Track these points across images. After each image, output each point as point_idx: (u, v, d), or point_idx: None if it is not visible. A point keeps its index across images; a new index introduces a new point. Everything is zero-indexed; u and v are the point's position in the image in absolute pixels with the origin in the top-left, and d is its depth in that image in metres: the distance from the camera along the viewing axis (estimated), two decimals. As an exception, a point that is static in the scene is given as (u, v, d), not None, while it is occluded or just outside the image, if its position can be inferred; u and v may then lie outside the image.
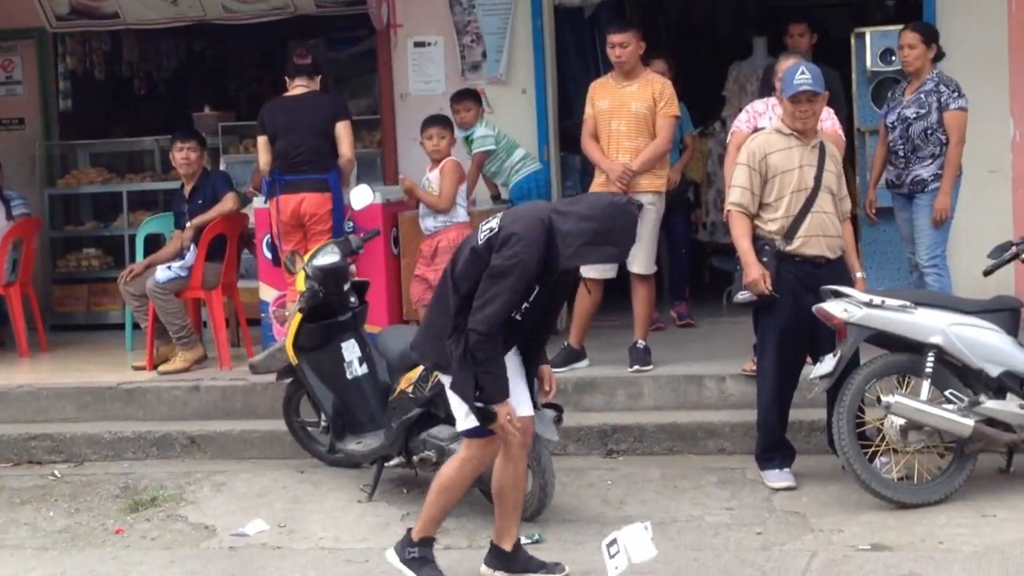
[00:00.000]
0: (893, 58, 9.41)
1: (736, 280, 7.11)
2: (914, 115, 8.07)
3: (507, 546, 5.74)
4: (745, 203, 6.89)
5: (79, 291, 11.67)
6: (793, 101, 6.76)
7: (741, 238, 6.93)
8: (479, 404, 5.34)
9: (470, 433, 5.55)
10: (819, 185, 6.84)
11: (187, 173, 9.28)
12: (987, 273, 7.52)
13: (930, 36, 8.20)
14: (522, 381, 5.64)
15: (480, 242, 5.34)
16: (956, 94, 8.07)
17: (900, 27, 9.57)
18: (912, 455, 6.62)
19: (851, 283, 6.88)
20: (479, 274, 5.28)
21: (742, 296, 6.98)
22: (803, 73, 6.79)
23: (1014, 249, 7.16)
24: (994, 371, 6.59)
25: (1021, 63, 9.29)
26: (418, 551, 5.67)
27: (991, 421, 6.55)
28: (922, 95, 8.09)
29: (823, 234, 6.80)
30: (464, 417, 5.52)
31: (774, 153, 6.83)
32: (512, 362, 5.55)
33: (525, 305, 5.34)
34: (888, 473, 6.63)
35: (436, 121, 8.84)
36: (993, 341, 6.66)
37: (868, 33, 9.57)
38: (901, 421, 6.49)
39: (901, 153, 8.13)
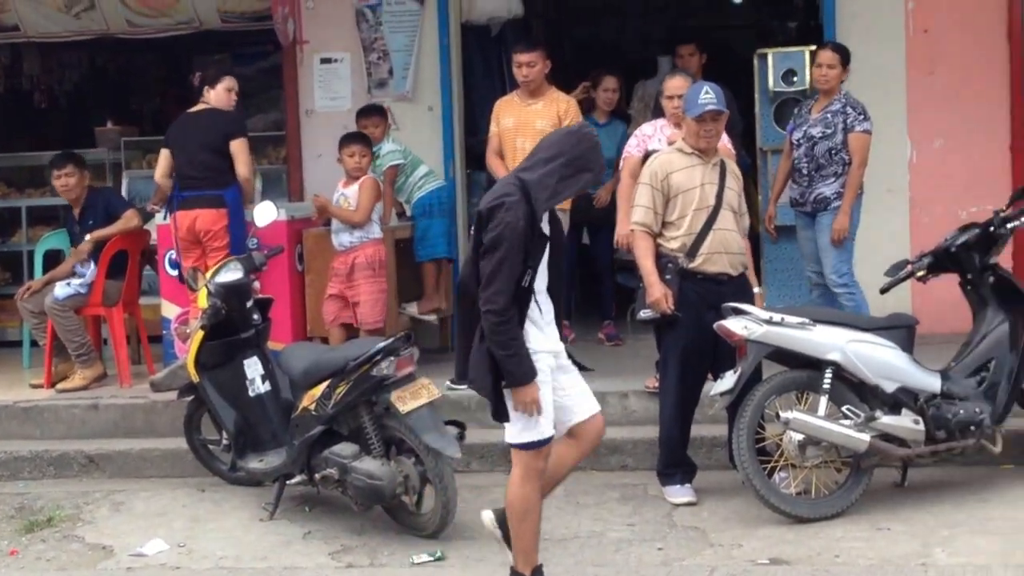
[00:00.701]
0: (795, 78, 9.56)
1: (639, 298, 7.19)
2: (820, 134, 8.15)
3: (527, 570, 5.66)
4: (648, 222, 6.98)
5: (-24, 308, 11.53)
6: (698, 120, 6.84)
7: (644, 258, 7.02)
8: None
9: (522, 446, 5.46)
10: (720, 203, 6.94)
11: (71, 198, 9.24)
12: (884, 291, 7.67)
13: (847, 57, 8.31)
14: (576, 382, 5.67)
15: (474, 236, 5.42)
16: (862, 117, 8.18)
17: (802, 48, 9.81)
18: (810, 470, 6.69)
19: (752, 300, 7.00)
20: None
21: (645, 314, 7.07)
22: (707, 93, 6.88)
23: (910, 267, 7.27)
24: (890, 387, 6.69)
25: (919, 85, 9.48)
26: None
27: (886, 436, 6.65)
28: (829, 115, 8.18)
29: (725, 251, 6.89)
30: (518, 431, 5.43)
31: (676, 172, 6.92)
32: (562, 369, 5.59)
33: (529, 271, 5.31)
34: (787, 488, 6.69)
35: (358, 139, 8.84)
36: (889, 358, 6.76)
37: (771, 54, 9.69)
38: (799, 437, 6.55)
39: (805, 171, 8.22)
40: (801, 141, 8.21)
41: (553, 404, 5.48)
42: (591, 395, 5.72)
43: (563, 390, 5.57)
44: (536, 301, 5.43)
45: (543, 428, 5.38)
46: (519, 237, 5.19)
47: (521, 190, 5.24)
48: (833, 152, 8.14)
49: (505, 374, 5.26)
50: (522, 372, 5.23)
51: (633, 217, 7.11)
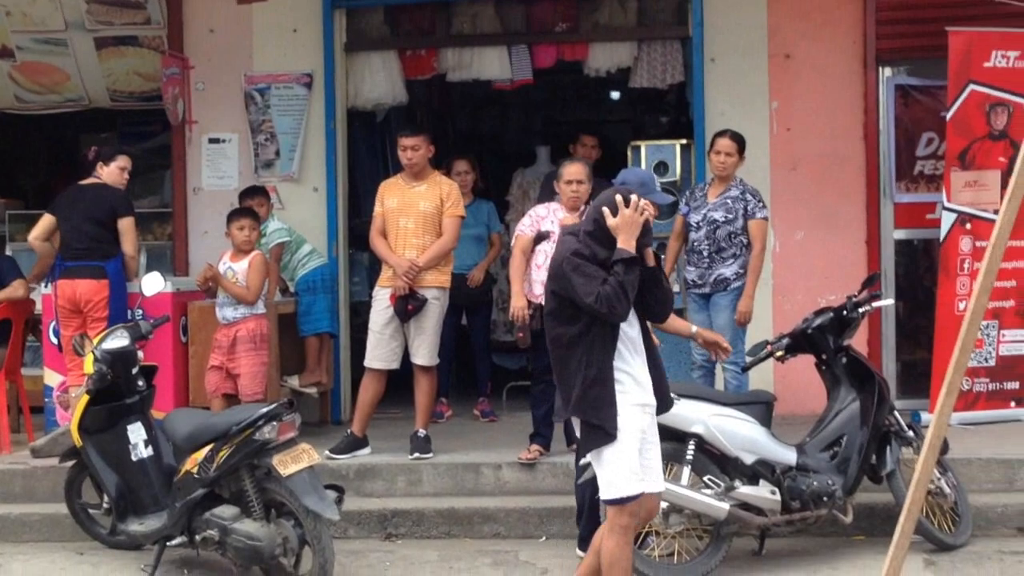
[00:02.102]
0: (665, 169, 9.93)
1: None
2: (722, 218, 8.30)
3: None
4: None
5: None
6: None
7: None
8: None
9: (615, 502, 5.50)
10: None
11: (-32, 260, 9.25)
12: (745, 369, 7.97)
13: (743, 145, 8.47)
14: (657, 454, 5.72)
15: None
16: (761, 204, 8.38)
17: (673, 141, 10.18)
18: (674, 537, 6.76)
19: None
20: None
21: None
22: (658, 185, 7.05)
23: (769, 348, 7.43)
24: (748, 459, 6.82)
25: (782, 181, 9.76)
26: None
27: (745, 505, 6.76)
28: (729, 200, 8.33)
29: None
30: (605, 487, 5.51)
31: None
32: (651, 432, 5.66)
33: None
34: (651, 553, 6.76)
35: (247, 213, 8.89)
36: (748, 432, 6.89)
37: (643, 146, 10.00)
38: (664, 504, 6.56)
39: (705, 253, 8.33)
40: (701, 224, 8.32)
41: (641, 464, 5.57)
42: (660, 471, 5.78)
43: (648, 459, 5.66)
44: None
45: (626, 487, 5.45)
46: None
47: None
48: (733, 236, 8.29)
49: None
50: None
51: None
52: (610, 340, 5.52)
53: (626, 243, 5.39)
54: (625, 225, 5.38)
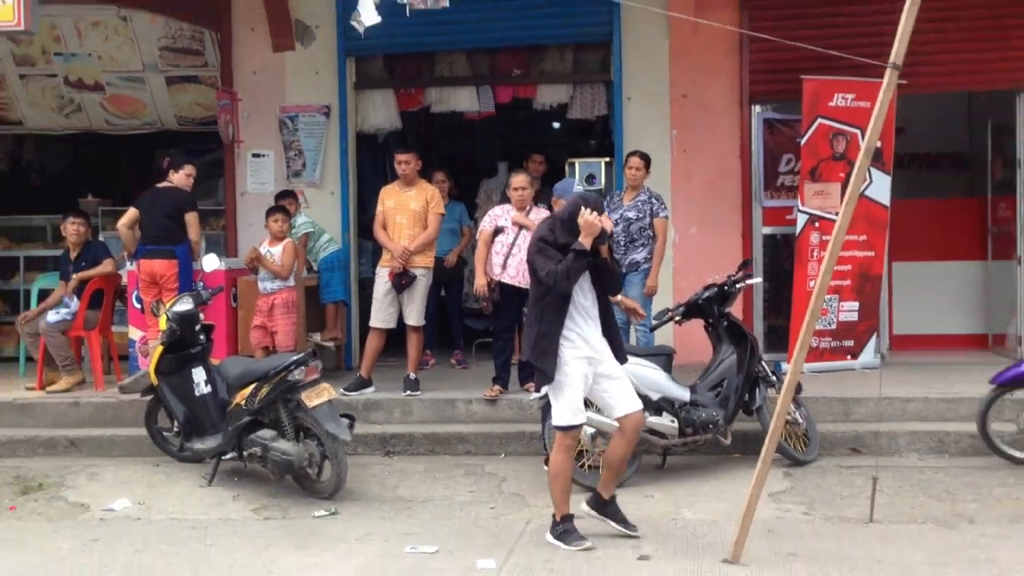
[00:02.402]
0: (595, 180, 9.90)
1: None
2: (634, 217, 8.24)
3: (605, 496, 5.79)
4: None
5: (-19, 332, 11.28)
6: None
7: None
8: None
9: (560, 428, 5.59)
10: None
11: (74, 242, 9.10)
12: (652, 329, 8.04)
13: (648, 162, 8.44)
14: (619, 389, 5.66)
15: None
16: (663, 206, 8.37)
17: (599, 159, 10.15)
18: (599, 454, 6.66)
19: None
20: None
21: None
22: (577, 186, 7.21)
23: (670, 314, 7.50)
24: (654, 396, 6.82)
25: (680, 189, 9.73)
26: (562, 527, 5.64)
27: (651, 431, 6.77)
28: (639, 203, 8.29)
29: None
30: (557, 416, 5.58)
31: None
32: (608, 376, 5.64)
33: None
34: (583, 466, 6.76)
35: (280, 209, 8.88)
36: (654, 376, 6.89)
37: (577, 163, 9.94)
38: (591, 430, 6.63)
39: (622, 243, 8.19)
40: (618, 221, 8.21)
41: (600, 401, 5.76)
42: (634, 396, 5.71)
43: (606, 392, 5.66)
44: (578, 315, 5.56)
45: (568, 418, 5.55)
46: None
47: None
48: (643, 230, 8.27)
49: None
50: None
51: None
52: (562, 306, 5.55)
53: (584, 240, 5.45)
54: (587, 226, 5.43)
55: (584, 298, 5.61)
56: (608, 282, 5.70)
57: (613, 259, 5.73)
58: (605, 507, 5.83)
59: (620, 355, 5.75)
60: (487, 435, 7.81)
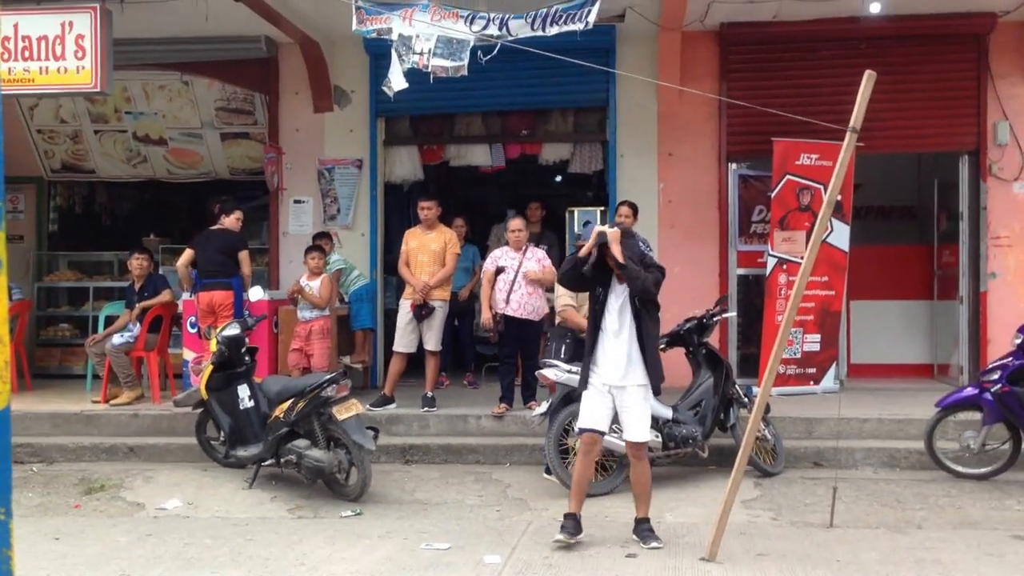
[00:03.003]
0: (591, 225, 9.85)
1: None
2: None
3: (641, 513, 5.61)
4: (573, 303, 7.25)
5: (55, 352, 11.28)
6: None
7: (579, 320, 7.10)
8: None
9: (579, 431, 5.56)
10: None
11: (138, 275, 9.16)
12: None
13: (636, 210, 8.52)
14: (629, 418, 5.44)
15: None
16: (648, 249, 8.41)
17: (595, 208, 10.14)
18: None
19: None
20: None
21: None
22: (593, 223, 7.18)
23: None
24: None
25: (666, 234, 9.78)
26: (644, 526, 5.58)
27: None
28: None
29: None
30: (646, 428, 5.44)
31: None
32: (624, 404, 5.43)
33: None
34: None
35: (317, 248, 8.90)
36: None
37: (576, 211, 9.99)
38: None
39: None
40: None
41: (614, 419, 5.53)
42: (637, 428, 5.45)
43: (622, 417, 5.50)
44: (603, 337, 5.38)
45: (582, 423, 5.52)
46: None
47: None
48: None
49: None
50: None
51: (564, 301, 7.23)
52: (593, 328, 5.47)
53: (583, 252, 5.40)
54: (585, 244, 5.44)
55: (609, 321, 5.42)
56: (631, 288, 5.35)
57: (624, 265, 5.33)
58: (638, 525, 5.63)
59: (654, 387, 5.44)
60: (494, 447, 7.78)
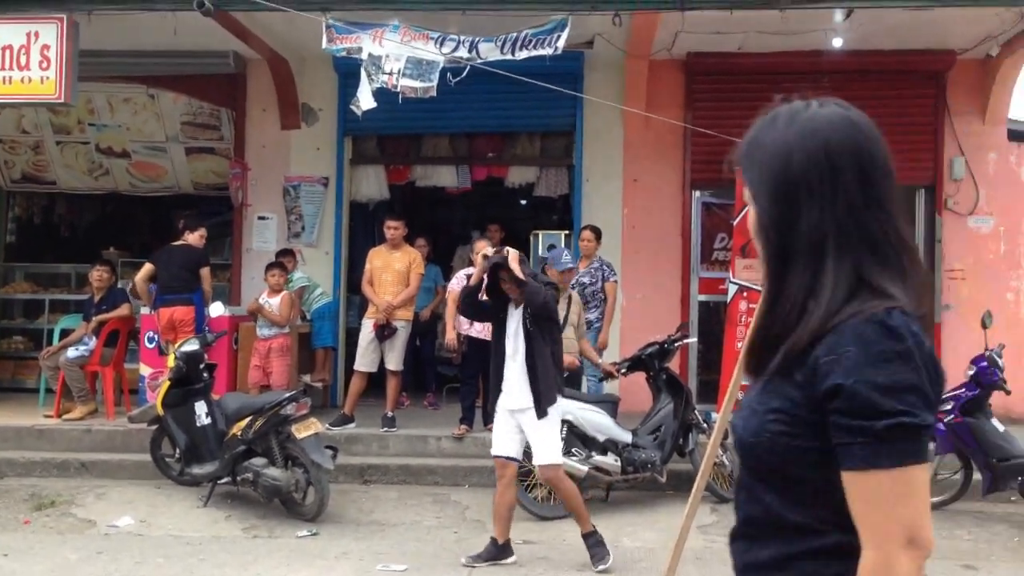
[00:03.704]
0: (555, 249, 9.92)
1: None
2: (588, 281, 8.27)
3: (584, 528, 5.63)
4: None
5: (7, 365, 11.02)
6: (562, 272, 7.08)
7: (588, 349, 7.49)
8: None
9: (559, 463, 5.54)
10: (565, 322, 7.09)
11: (98, 287, 9.03)
12: (601, 380, 8.09)
13: (599, 234, 8.58)
14: (536, 440, 5.46)
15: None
16: (612, 272, 8.45)
17: (559, 232, 10.22)
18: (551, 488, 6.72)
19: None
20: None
21: None
22: (566, 255, 7.20)
23: (616, 366, 7.55)
24: (601, 438, 6.87)
25: (629, 260, 9.79)
26: (592, 539, 5.58)
27: (598, 468, 6.82)
28: (592, 269, 8.35)
29: (567, 351, 6.90)
30: (554, 451, 5.47)
31: None
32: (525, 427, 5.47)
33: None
34: (536, 497, 6.78)
35: (278, 265, 8.84)
36: (601, 420, 6.93)
37: (540, 234, 10.04)
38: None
39: None
40: (575, 285, 8.11)
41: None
42: (542, 451, 5.49)
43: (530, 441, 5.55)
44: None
45: (492, 448, 5.62)
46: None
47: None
48: (595, 293, 8.32)
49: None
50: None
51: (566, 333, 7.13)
52: (495, 355, 5.57)
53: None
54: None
55: (511, 346, 5.50)
56: (532, 304, 5.37)
57: (524, 281, 5.38)
58: (588, 539, 5.67)
59: (539, 409, 5.44)
60: (454, 468, 7.75)
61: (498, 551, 5.62)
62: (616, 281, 8.53)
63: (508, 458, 5.59)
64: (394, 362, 8.43)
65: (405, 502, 7.17)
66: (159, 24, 8.45)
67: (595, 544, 5.61)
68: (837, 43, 8.99)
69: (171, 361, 7.40)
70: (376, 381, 8.72)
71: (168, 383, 7.33)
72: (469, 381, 8.35)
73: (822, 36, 8.94)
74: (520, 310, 5.46)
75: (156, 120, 10.70)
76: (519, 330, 5.45)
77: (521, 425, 5.50)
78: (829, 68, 9.49)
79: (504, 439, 5.56)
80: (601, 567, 5.52)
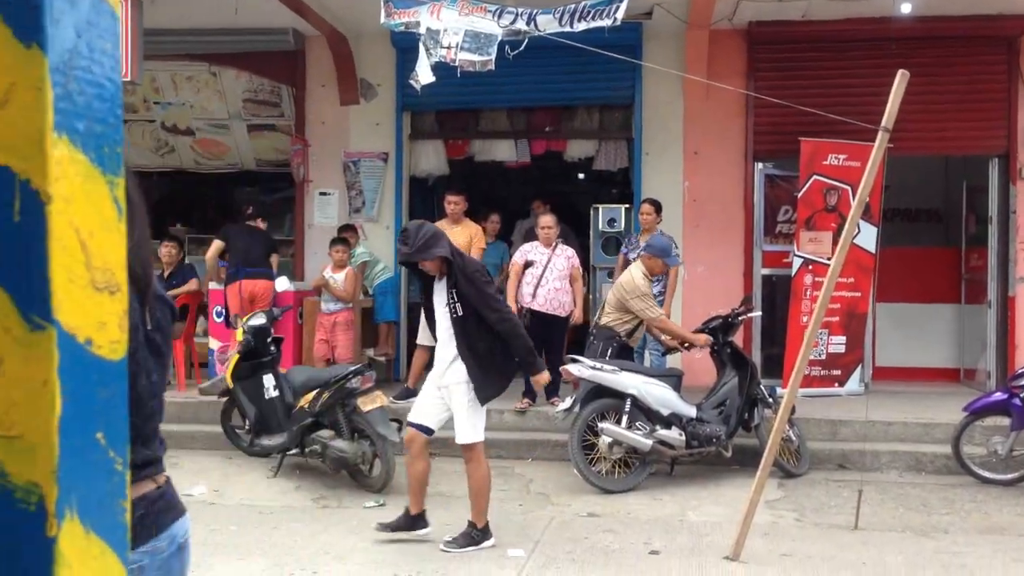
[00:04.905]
0: (615, 224, 9.94)
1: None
2: None
3: (473, 518, 5.56)
4: (662, 313, 7.35)
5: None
6: (669, 264, 7.29)
7: (678, 329, 7.41)
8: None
9: (476, 443, 5.40)
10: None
11: (167, 262, 9.22)
12: (664, 354, 8.05)
13: (659, 208, 8.55)
14: (459, 412, 5.39)
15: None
16: (675, 247, 8.19)
17: (619, 205, 10.17)
18: (615, 461, 6.80)
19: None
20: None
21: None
22: (675, 250, 7.23)
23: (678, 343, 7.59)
24: (665, 412, 6.84)
25: (690, 234, 9.67)
26: (474, 530, 5.52)
27: (662, 442, 6.80)
28: None
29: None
30: (472, 429, 5.37)
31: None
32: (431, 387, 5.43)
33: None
34: (601, 471, 6.80)
35: (341, 241, 8.92)
36: (665, 394, 6.91)
37: (600, 208, 10.02)
38: (609, 439, 6.68)
39: None
40: (636, 259, 8.05)
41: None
42: (460, 429, 5.47)
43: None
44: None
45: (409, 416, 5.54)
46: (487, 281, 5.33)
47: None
48: None
49: (529, 366, 5.27)
50: (539, 361, 5.23)
51: (655, 312, 7.18)
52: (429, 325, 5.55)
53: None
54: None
55: (440, 324, 5.40)
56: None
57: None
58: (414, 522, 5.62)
59: (480, 397, 5.38)
60: (517, 441, 7.78)
61: (410, 522, 5.58)
62: (677, 255, 8.44)
63: (420, 427, 5.49)
64: (457, 336, 8.45)
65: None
66: (221, 2, 8.55)
67: (470, 535, 5.47)
68: (905, 8, 8.76)
69: (239, 335, 7.53)
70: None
71: (237, 356, 7.45)
72: (531, 354, 8.36)
73: (890, 2, 8.72)
74: (444, 284, 5.28)
75: (219, 98, 10.85)
76: (446, 310, 5.30)
77: (448, 401, 5.39)
78: (896, 35, 9.26)
79: (423, 408, 5.48)
80: (451, 548, 5.38)
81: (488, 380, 5.32)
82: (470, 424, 5.39)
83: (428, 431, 5.53)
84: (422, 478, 5.58)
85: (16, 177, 0.79)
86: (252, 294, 8.57)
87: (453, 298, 5.25)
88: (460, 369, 5.31)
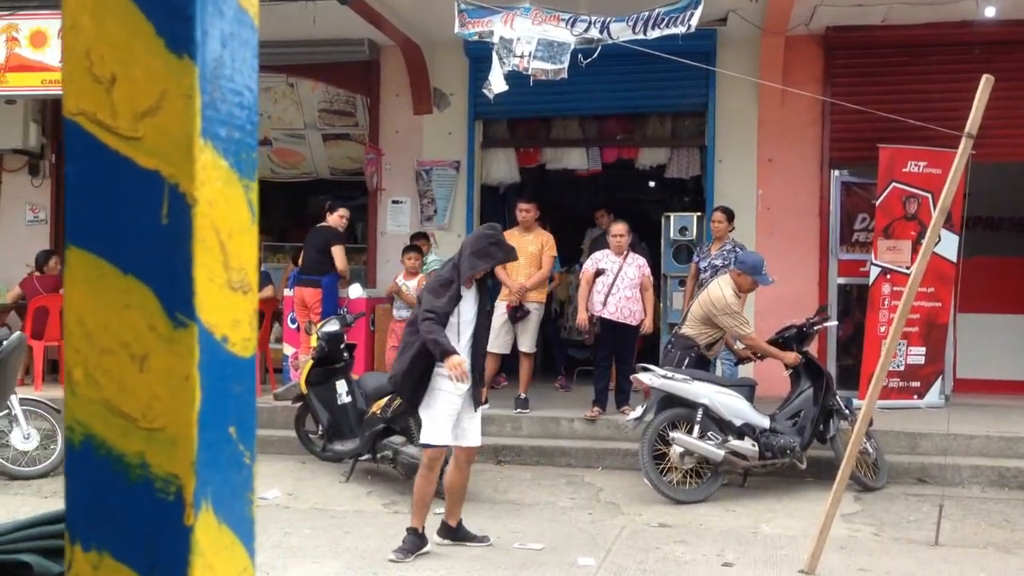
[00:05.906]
0: (686, 232, 9.89)
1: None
2: (721, 263, 8.13)
3: (452, 523, 5.71)
4: (753, 330, 7.34)
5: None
6: (761, 284, 7.26)
7: (767, 347, 7.26)
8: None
9: (425, 446, 5.42)
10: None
11: (243, 271, 9.45)
12: (737, 364, 7.97)
13: (731, 216, 8.49)
14: (469, 415, 5.43)
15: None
16: (764, 263, 8.38)
17: (691, 214, 10.10)
18: (686, 472, 6.75)
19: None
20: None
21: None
22: (766, 269, 7.20)
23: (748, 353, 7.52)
24: (737, 422, 6.79)
25: (764, 242, 9.51)
26: (413, 535, 5.53)
27: (735, 453, 6.75)
28: (725, 252, 8.23)
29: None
30: (426, 435, 5.39)
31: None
32: (466, 400, 5.43)
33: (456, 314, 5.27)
34: (672, 481, 6.76)
35: (414, 248, 9.00)
36: (737, 404, 6.85)
37: (672, 216, 9.97)
38: (680, 449, 6.65)
39: None
40: (707, 268, 8.24)
41: (454, 428, 5.38)
42: (479, 433, 5.57)
43: (463, 423, 5.47)
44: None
45: (441, 437, 5.36)
46: (444, 282, 5.34)
47: (455, 264, 5.44)
48: None
49: (436, 353, 5.18)
50: (444, 349, 5.15)
51: (747, 330, 7.20)
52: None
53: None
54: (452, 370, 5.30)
55: (465, 331, 5.41)
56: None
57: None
58: (455, 533, 5.68)
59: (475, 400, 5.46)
60: (587, 450, 7.79)
61: (452, 533, 5.65)
62: (751, 264, 8.36)
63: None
64: (527, 344, 8.50)
65: (539, 483, 7.25)
66: (299, 13, 8.74)
67: (411, 541, 5.47)
68: (989, 12, 8.57)
69: (313, 341, 7.66)
70: (508, 363, 8.81)
71: (311, 362, 7.58)
72: (602, 363, 8.37)
73: (973, 5, 8.54)
74: (474, 291, 5.37)
75: (295, 108, 11.07)
76: (474, 316, 5.39)
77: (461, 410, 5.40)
78: (979, 40, 9.07)
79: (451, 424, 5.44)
80: (397, 556, 5.35)
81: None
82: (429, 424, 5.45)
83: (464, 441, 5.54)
84: (454, 490, 5.65)
85: (165, 181, 0.84)
86: (302, 300, 8.69)
87: (481, 298, 5.43)
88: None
